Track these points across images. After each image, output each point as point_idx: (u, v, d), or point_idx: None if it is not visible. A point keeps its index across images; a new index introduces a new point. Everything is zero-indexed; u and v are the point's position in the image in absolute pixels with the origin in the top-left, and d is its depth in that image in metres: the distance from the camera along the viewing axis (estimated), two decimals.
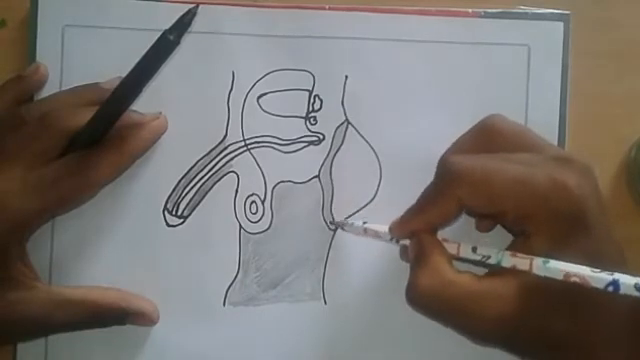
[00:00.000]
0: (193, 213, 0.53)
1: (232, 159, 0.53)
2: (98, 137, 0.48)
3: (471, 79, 0.54)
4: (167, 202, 0.53)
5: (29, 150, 0.47)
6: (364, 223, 0.50)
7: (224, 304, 0.53)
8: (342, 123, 0.53)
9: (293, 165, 0.53)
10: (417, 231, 0.46)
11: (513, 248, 0.44)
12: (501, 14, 0.54)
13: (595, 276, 0.40)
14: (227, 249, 0.53)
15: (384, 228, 0.48)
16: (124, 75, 0.46)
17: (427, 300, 0.43)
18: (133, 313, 0.51)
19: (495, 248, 0.44)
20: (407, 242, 0.47)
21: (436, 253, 0.44)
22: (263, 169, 0.53)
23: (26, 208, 0.47)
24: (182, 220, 0.53)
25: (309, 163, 0.53)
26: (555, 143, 0.53)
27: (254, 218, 0.53)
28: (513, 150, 0.45)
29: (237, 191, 0.53)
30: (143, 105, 0.50)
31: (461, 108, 0.54)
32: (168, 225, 0.53)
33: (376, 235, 0.49)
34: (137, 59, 0.46)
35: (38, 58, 0.52)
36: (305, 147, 0.53)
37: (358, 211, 0.52)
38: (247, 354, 0.53)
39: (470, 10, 0.54)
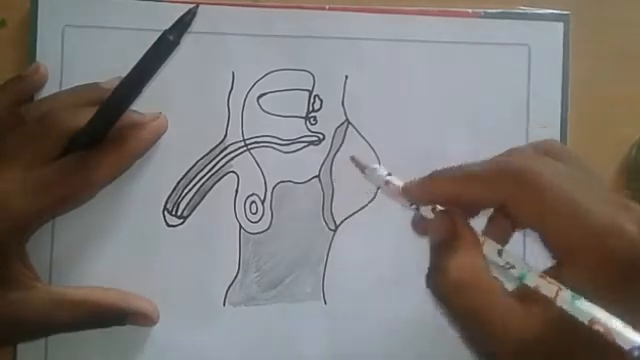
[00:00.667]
0: (193, 213, 0.53)
1: (232, 159, 0.53)
2: (98, 137, 0.48)
3: (471, 79, 0.54)
4: (167, 202, 0.53)
5: (29, 150, 0.47)
6: (388, 174, 0.44)
7: (224, 304, 0.53)
8: (342, 123, 0.53)
9: (293, 165, 0.53)
10: (443, 197, 0.41)
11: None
12: (501, 14, 0.54)
13: (623, 333, 0.34)
14: (227, 249, 0.53)
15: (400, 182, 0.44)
16: (124, 75, 0.46)
17: (454, 293, 0.38)
18: (133, 313, 0.51)
19: (522, 260, 0.39)
20: (429, 214, 0.42)
21: (472, 243, 0.40)
22: (263, 169, 0.53)
23: (26, 208, 0.46)
24: (182, 220, 0.53)
25: (309, 163, 0.53)
26: (557, 139, 0.54)
27: (254, 218, 0.53)
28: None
29: (237, 191, 0.53)
30: (143, 105, 0.50)
31: (461, 108, 0.54)
32: (168, 225, 0.53)
33: (395, 193, 0.43)
34: (137, 59, 0.46)
35: (38, 58, 0.52)
36: (305, 147, 0.53)
37: (358, 211, 0.52)
38: (247, 354, 0.53)
39: (470, 10, 0.54)
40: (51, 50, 0.52)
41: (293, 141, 0.53)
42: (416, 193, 0.42)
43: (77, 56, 0.53)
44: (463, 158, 0.53)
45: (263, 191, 0.53)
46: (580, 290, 0.36)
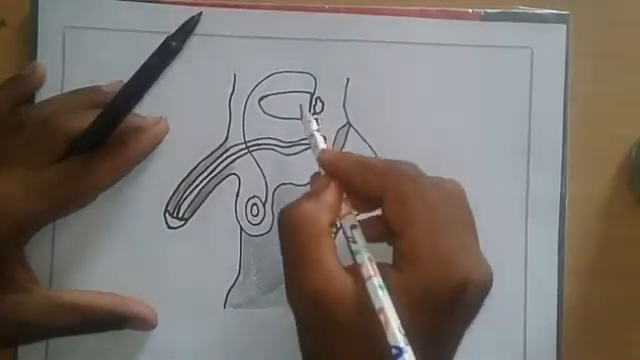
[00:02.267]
0: (194, 215, 0.53)
1: (233, 161, 0.53)
2: (99, 141, 0.48)
3: (474, 82, 0.54)
4: (168, 204, 0.53)
5: (30, 153, 0.47)
6: (317, 130, 0.47)
7: (225, 306, 0.53)
8: (343, 125, 0.53)
9: (294, 167, 0.53)
10: (341, 175, 0.44)
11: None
12: (501, 14, 0.54)
13: (394, 332, 0.37)
14: (228, 251, 0.53)
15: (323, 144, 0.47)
16: (125, 77, 0.46)
17: (289, 226, 0.42)
18: (132, 318, 0.51)
19: (365, 244, 0.42)
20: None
21: (328, 203, 0.43)
22: (264, 171, 0.53)
23: (26, 211, 0.46)
24: (183, 222, 0.53)
25: (310, 165, 0.53)
26: (559, 145, 0.54)
27: (255, 220, 0.53)
28: None
29: (238, 193, 0.53)
30: (145, 107, 0.50)
31: (463, 111, 0.54)
32: (169, 227, 0.53)
33: (314, 147, 0.47)
34: (138, 60, 0.46)
35: (39, 59, 0.52)
36: (306, 149, 0.53)
37: (359, 213, 0.52)
38: (247, 356, 0.53)
39: (470, 10, 0.54)
40: (52, 51, 0.52)
41: (294, 143, 0.53)
42: (325, 161, 0.45)
43: (78, 57, 0.53)
44: (464, 161, 0.53)
45: (264, 193, 0.53)
46: (397, 288, 0.39)
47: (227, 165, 0.53)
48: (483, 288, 0.41)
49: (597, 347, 0.55)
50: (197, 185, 0.53)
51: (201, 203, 0.53)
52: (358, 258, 0.41)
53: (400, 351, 0.37)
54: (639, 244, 0.55)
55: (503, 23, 0.54)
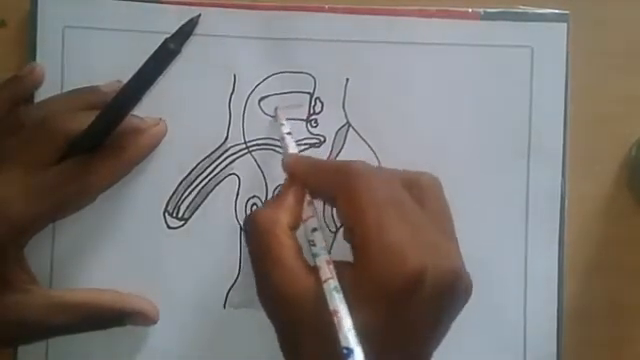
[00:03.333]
0: (194, 215, 0.53)
1: (233, 161, 0.53)
2: (98, 142, 0.48)
3: (474, 81, 0.54)
4: (168, 204, 0.53)
5: (28, 154, 0.47)
6: (288, 133, 0.51)
7: (224, 306, 0.53)
8: (343, 126, 0.53)
9: None
10: (300, 176, 0.47)
11: None
12: (501, 14, 0.54)
13: (345, 333, 0.38)
14: (228, 251, 0.53)
15: (293, 148, 0.50)
16: (124, 78, 0.46)
17: (253, 232, 0.45)
18: (132, 314, 0.51)
19: (324, 246, 0.44)
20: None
21: (288, 207, 0.45)
22: (264, 171, 0.53)
23: (25, 213, 0.46)
24: (183, 222, 0.53)
25: None
26: (559, 145, 0.54)
27: None
28: None
29: (238, 193, 0.53)
30: (144, 107, 0.50)
31: (464, 111, 0.54)
32: (169, 227, 0.53)
33: (285, 150, 0.50)
34: (138, 61, 0.45)
35: (38, 59, 0.52)
36: (306, 149, 0.53)
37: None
38: (247, 356, 0.53)
39: (470, 10, 0.54)
40: (52, 51, 0.52)
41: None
42: (285, 165, 0.48)
43: (78, 57, 0.53)
44: (464, 161, 0.53)
45: (264, 193, 0.53)
46: (352, 284, 0.41)
47: (227, 165, 0.53)
48: (445, 277, 0.41)
49: (597, 347, 0.55)
50: (197, 185, 0.53)
51: (201, 203, 0.53)
52: (317, 261, 0.43)
53: (350, 352, 0.38)
54: (639, 244, 0.55)
55: (503, 22, 0.54)
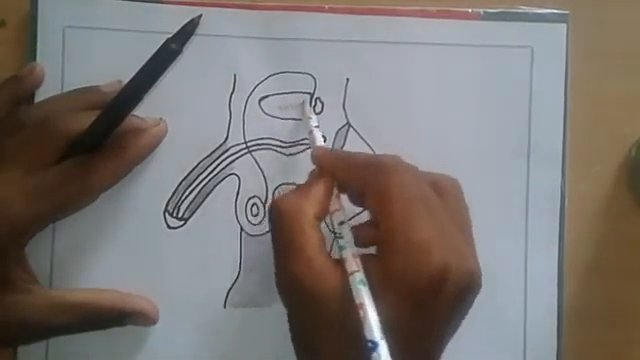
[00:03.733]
0: (194, 215, 0.53)
1: (233, 161, 0.53)
2: (98, 142, 0.48)
3: (474, 82, 0.54)
4: (168, 204, 0.53)
5: (29, 154, 0.47)
6: (316, 127, 0.51)
7: (225, 306, 0.53)
8: (343, 126, 0.53)
9: (294, 167, 0.53)
10: (329, 169, 0.46)
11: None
12: (501, 14, 0.54)
13: (371, 326, 0.38)
14: (228, 251, 0.53)
15: (320, 141, 0.50)
16: (125, 77, 0.46)
17: (277, 217, 0.44)
18: (132, 313, 0.51)
19: (351, 239, 0.44)
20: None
21: (316, 198, 0.45)
22: (264, 171, 0.53)
23: (25, 213, 0.46)
24: (183, 222, 0.53)
25: (310, 166, 0.53)
26: (559, 145, 0.54)
27: (255, 220, 0.53)
28: None
29: (238, 193, 0.53)
30: (144, 107, 0.50)
31: (464, 111, 0.54)
32: (169, 227, 0.53)
33: (312, 143, 0.50)
34: (138, 61, 0.45)
35: (38, 59, 0.52)
36: (306, 149, 0.53)
37: (360, 213, 0.52)
38: (247, 356, 0.53)
39: (470, 10, 0.54)
40: (52, 51, 0.52)
41: (294, 143, 0.53)
42: (315, 157, 0.48)
43: (78, 57, 0.52)
44: (464, 161, 0.53)
45: (264, 193, 0.53)
46: (377, 277, 0.40)
47: (227, 165, 0.53)
48: (465, 279, 0.41)
49: (597, 347, 0.55)
50: (197, 185, 0.53)
51: (201, 203, 0.53)
52: (343, 253, 0.42)
53: (375, 345, 0.37)
54: (639, 244, 0.55)
55: (503, 23, 0.54)
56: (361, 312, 0.39)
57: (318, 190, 0.45)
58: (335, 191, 0.46)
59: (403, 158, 0.49)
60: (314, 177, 0.46)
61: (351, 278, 0.40)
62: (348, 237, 0.43)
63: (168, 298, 0.52)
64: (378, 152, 0.53)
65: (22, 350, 0.52)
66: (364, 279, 0.40)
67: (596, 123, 0.55)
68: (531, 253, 0.54)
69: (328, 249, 0.43)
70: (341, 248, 0.43)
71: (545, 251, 0.54)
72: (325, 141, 0.53)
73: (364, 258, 0.42)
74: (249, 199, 0.53)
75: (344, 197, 0.47)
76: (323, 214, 0.45)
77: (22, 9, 0.53)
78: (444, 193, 0.44)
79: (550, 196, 0.54)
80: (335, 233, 0.44)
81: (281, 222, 0.43)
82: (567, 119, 0.54)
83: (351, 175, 0.45)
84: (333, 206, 0.45)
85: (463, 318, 0.43)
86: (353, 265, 0.41)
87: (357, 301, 0.39)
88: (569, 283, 0.54)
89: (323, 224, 0.44)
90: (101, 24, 0.53)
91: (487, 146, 0.54)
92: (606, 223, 0.55)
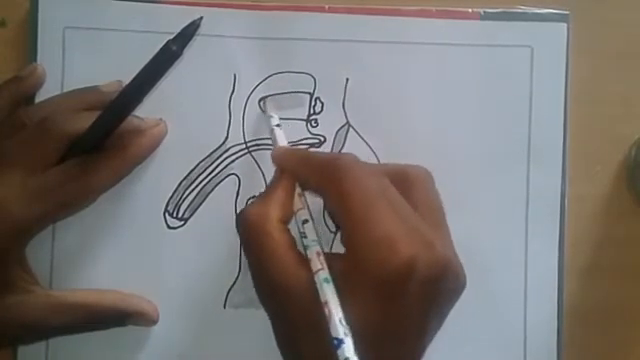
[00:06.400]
0: (194, 215, 0.53)
1: (233, 161, 0.53)
2: (98, 143, 0.48)
3: (474, 82, 0.54)
4: (168, 204, 0.53)
5: (29, 154, 0.47)
6: (277, 125, 0.51)
7: (224, 306, 0.53)
8: (343, 125, 0.53)
9: None
10: (289, 169, 0.47)
11: None
12: (501, 14, 0.54)
13: (336, 324, 0.39)
14: (228, 251, 0.53)
15: (282, 140, 0.50)
16: (125, 78, 0.46)
17: (245, 232, 0.45)
18: (132, 314, 0.51)
19: (316, 237, 0.44)
20: None
21: (278, 201, 0.46)
22: (264, 171, 0.53)
23: (25, 214, 0.46)
24: (183, 222, 0.53)
25: None
26: (559, 145, 0.54)
27: None
28: None
29: (238, 193, 0.53)
30: (144, 107, 0.50)
31: (464, 111, 0.54)
32: (169, 227, 0.53)
33: (274, 142, 0.50)
34: (138, 61, 0.45)
35: (39, 59, 0.52)
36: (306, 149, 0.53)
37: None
38: (247, 356, 0.53)
39: (470, 10, 0.54)
40: (52, 52, 0.52)
41: (294, 143, 0.53)
42: (274, 158, 0.49)
43: (78, 58, 0.53)
44: (464, 161, 0.53)
45: None
46: (343, 276, 0.41)
47: (227, 165, 0.53)
48: (434, 267, 0.41)
49: (597, 346, 0.55)
50: (197, 185, 0.53)
51: (201, 203, 0.53)
52: (308, 253, 0.43)
53: (340, 342, 0.38)
54: (639, 244, 0.55)
55: (503, 22, 0.54)
56: (326, 310, 0.39)
57: (280, 192, 0.46)
58: (298, 189, 0.47)
59: (403, 158, 0.49)
60: (276, 179, 0.47)
61: (316, 277, 0.41)
62: (312, 236, 0.44)
63: (168, 298, 0.52)
64: (378, 152, 0.53)
65: (22, 350, 0.52)
66: (328, 277, 0.41)
67: (596, 123, 0.55)
68: (531, 253, 0.54)
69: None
70: (306, 247, 0.44)
71: (545, 251, 0.54)
72: (325, 141, 0.53)
73: (333, 257, 0.43)
74: (249, 199, 0.53)
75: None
76: (287, 216, 0.46)
77: (22, 9, 0.53)
78: (409, 183, 0.45)
79: (550, 196, 0.54)
80: (300, 232, 0.45)
81: (248, 232, 0.44)
82: (567, 119, 0.54)
83: (310, 174, 0.46)
84: (296, 205, 0.46)
85: (445, 312, 0.43)
86: (317, 264, 0.42)
87: (322, 299, 0.40)
88: (569, 283, 0.54)
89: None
90: (101, 24, 0.53)
91: (487, 146, 0.54)
92: (606, 223, 0.55)
